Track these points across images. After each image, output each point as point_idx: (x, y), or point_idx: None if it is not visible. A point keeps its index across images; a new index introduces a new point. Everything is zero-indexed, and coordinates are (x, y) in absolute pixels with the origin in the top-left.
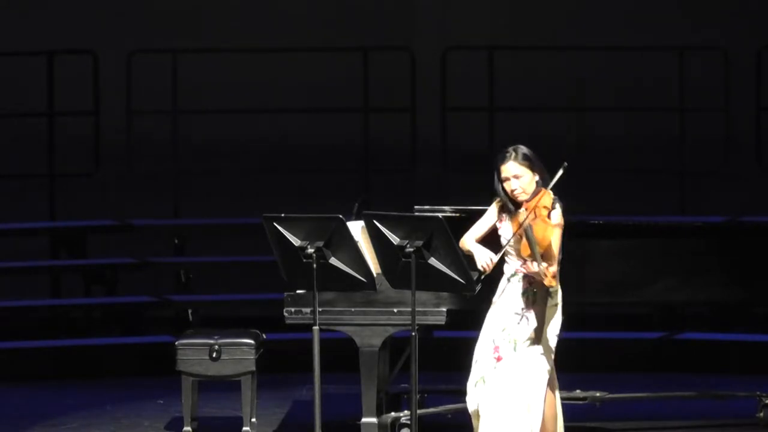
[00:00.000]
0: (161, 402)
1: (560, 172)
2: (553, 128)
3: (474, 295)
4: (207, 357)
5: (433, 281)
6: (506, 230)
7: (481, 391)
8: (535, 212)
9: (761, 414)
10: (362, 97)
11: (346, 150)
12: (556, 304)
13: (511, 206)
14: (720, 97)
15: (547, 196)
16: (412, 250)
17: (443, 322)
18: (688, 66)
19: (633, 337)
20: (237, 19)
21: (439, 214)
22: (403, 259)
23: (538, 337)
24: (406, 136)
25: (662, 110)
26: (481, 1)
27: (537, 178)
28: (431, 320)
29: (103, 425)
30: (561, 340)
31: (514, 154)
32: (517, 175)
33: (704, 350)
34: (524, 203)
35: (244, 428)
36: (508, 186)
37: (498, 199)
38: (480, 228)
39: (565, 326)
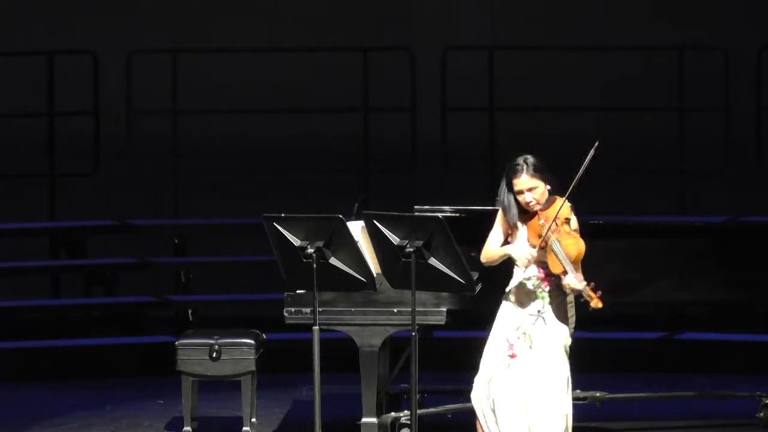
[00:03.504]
0: (161, 402)
1: (591, 153)
2: (552, 128)
3: (474, 295)
4: (207, 357)
5: (433, 281)
6: (523, 239)
7: (494, 389)
8: (555, 223)
9: (761, 414)
10: (362, 97)
11: (346, 150)
12: (570, 303)
13: (514, 215)
14: (720, 97)
15: (564, 206)
16: (412, 250)
17: (443, 322)
18: (688, 66)
19: (633, 337)
20: (237, 19)
21: (439, 214)
22: (403, 259)
23: (556, 338)
24: (406, 136)
25: (662, 110)
26: (481, 1)
27: (548, 187)
28: (431, 320)
29: (103, 425)
30: None
31: (525, 166)
32: (531, 188)
33: (704, 350)
34: (539, 213)
35: (244, 428)
36: (522, 199)
37: (501, 212)
38: (497, 238)
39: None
